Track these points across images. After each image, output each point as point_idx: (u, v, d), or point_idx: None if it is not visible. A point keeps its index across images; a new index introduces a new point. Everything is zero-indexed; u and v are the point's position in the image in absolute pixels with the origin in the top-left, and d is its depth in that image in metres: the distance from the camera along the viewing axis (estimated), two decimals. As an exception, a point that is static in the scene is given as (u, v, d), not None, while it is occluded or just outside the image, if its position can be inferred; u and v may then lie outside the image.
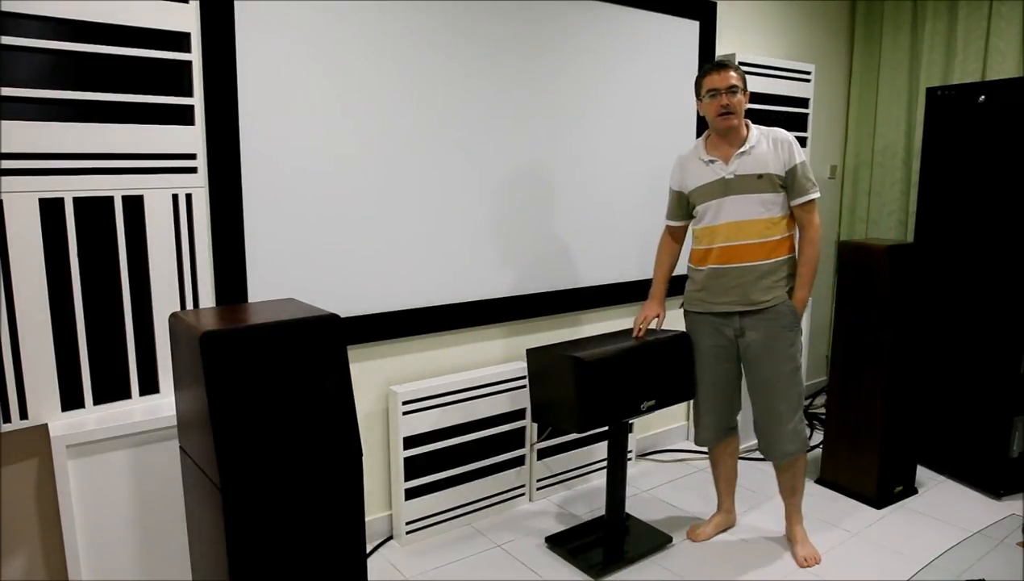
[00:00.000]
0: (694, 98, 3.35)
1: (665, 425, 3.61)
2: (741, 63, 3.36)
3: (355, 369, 2.56)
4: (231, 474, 1.53)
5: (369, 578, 2.19)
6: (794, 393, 2.45)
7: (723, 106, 2.33)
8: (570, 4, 2.88)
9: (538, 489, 3.03)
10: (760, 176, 2.38)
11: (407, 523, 2.66)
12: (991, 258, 3.03)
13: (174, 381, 1.78)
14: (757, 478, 3.22)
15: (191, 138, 2.07)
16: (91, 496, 1.92)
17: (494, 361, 2.93)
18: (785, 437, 2.46)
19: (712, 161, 2.42)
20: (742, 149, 2.39)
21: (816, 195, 2.42)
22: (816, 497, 3.05)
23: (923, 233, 3.31)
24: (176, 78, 2.03)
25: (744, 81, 2.37)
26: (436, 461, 2.70)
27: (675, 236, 2.66)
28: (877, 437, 2.94)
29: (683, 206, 2.56)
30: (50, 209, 1.86)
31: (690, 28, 3.32)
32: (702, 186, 2.44)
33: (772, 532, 2.75)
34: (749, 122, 2.44)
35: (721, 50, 3.48)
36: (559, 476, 3.09)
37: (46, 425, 1.93)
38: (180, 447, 1.81)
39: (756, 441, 2.57)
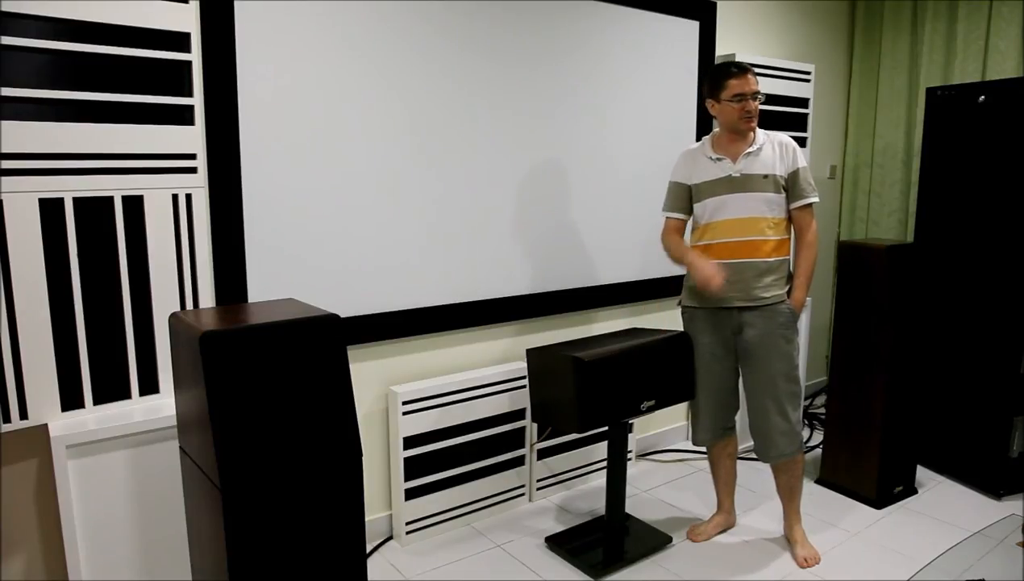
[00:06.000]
0: (698, 96, 3.39)
1: (665, 425, 3.61)
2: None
3: (355, 369, 2.56)
4: (231, 474, 1.53)
5: (369, 578, 2.19)
6: (791, 393, 2.45)
7: (748, 112, 2.36)
8: (570, 5, 2.88)
9: (538, 489, 3.03)
10: (766, 176, 2.40)
11: (407, 523, 2.66)
12: (991, 258, 3.03)
13: (174, 381, 1.78)
14: (757, 478, 3.22)
15: (191, 138, 2.07)
16: (91, 496, 1.91)
17: (494, 361, 2.93)
18: (780, 437, 2.46)
19: (720, 159, 2.43)
20: (750, 149, 2.41)
21: (815, 199, 2.45)
22: (816, 497, 3.05)
23: (923, 233, 3.31)
24: (176, 78, 2.03)
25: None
26: (436, 461, 2.70)
27: (678, 231, 2.63)
28: (877, 437, 2.94)
29: (686, 199, 2.54)
30: (50, 209, 1.86)
31: (690, 28, 3.32)
32: (708, 182, 2.45)
33: (772, 532, 2.75)
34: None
35: (721, 50, 3.48)
36: (559, 476, 3.09)
37: (46, 425, 1.92)
38: (180, 447, 1.81)
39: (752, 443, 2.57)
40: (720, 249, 2.44)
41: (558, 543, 2.63)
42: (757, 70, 3.40)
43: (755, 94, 2.37)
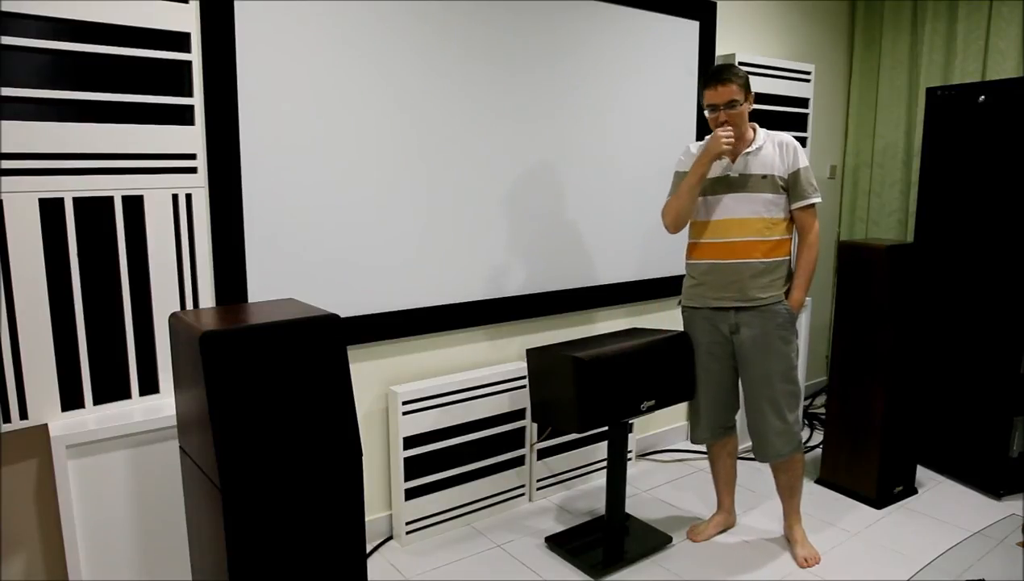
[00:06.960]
0: (698, 96, 3.40)
1: (665, 425, 3.61)
2: (741, 63, 3.36)
3: (355, 369, 2.56)
4: (231, 474, 1.53)
5: (369, 578, 2.19)
6: (787, 393, 2.45)
7: (721, 124, 2.34)
8: (570, 5, 2.88)
9: (538, 489, 3.03)
10: (764, 176, 2.40)
11: (407, 523, 2.66)
12: (991, 258, 3.03)
13: (174, 381, 1.78)
14: (757, 478, 3.22)
15: (191, 138, 2.07)
16: (91, 496, 1.92)
17: (494, 361, 2.93)
18: (776, 437, 2.46)
19: (719, 158, 2.42)
20: (748, 149, 2.41)
21: (817, 199, 2.44)
22: (816, 497, 3.05)
23: (923, 233, 3.31)
24: (176, 78, 2.03)
25: (746, 87, 2.35)
26: (436, 461, 2.70)
27: None
28: (877, 437, 2.94)
29: None
30: (50, 209, 1.86)
31: (690, 28, 3.32)
32: (707, 180, 2.44)
33: (772, 532, 2.75)
34: (756, 125, 2.46)
35: (721, 50, 3.48)
36: (559, 476, 3.09)
37: (46, 425, 1.93)
38: (180, 447, 1.81)
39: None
40: (716, 249, 2.44)
41: (558, 543, 2.63)
42: (757, 70, 3.43)
43: (729, 104, 2.32)
